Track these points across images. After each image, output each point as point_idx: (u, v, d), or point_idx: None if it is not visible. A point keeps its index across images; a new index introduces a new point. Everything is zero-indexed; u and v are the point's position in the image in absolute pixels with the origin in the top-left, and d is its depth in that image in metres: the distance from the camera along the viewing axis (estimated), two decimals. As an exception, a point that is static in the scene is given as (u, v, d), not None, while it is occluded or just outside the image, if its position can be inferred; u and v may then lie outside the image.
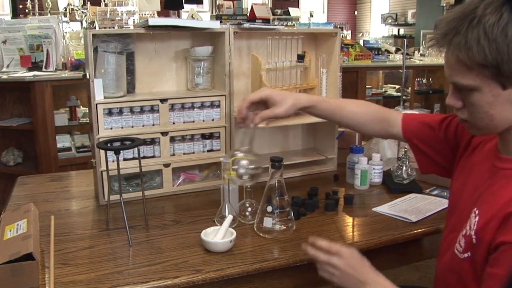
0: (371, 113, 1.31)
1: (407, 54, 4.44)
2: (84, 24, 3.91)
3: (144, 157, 1.52)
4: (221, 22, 1.69)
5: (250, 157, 1.27)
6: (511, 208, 0.83)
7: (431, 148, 1.23)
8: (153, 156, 1.55)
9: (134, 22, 3.56)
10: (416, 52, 5.20)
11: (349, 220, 1.38)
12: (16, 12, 7.49)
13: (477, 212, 0.92)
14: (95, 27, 3.45)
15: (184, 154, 1.59)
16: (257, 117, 1.23)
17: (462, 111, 0.92)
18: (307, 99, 1.28)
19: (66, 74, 3.14)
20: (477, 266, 0.89)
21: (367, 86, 4.41)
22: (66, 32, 3.51)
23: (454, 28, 0.84)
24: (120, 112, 1.48)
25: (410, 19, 9.68)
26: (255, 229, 1.27)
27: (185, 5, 5.90)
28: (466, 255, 0.92)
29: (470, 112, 0.90)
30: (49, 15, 3.79)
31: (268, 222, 1.24)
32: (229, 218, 1.22)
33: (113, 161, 1.35)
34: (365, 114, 1.31)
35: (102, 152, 1.42)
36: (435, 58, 4.81)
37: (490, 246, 0.85)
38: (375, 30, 10.99)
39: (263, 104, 1.26)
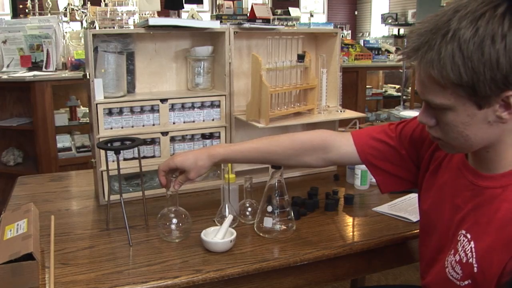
0: (296, 144, 1.21)
1: (407, 54, 4.44)
2: (84, 24, 3.91)
3: (144, 157, 1.52)
4: (221, 22, 1.69)
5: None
6: None
7: (392, 164, 1.14)
8: (153, 156, 1.55)
9: (134, 22, 3.56)
10: (416, 52, 5.19)
11: (349, 220, 1.38)
12: (16, 12, 7.48)
13: (469, 236, 0.86)
14: (95, 27, 3.45)
15: (184, 154, 1.59)
16: (175, 183, 1.23)
17: (435, 130, 0.87)
18: (222, 153, 1.21)
19: (66, 74, 3.15)
20: None
21: (367, 86, 4.41)
22: (66, 32, 3.51)
23: (427, 43, 0.78)
24: (120, 112, 1.48)
25: (410, 19, 9.69)
26: (255, 229, 1.27)
27: (185, 5, 5.90)
28: (466, 282, 0.86)
29: (444, 131, 0.85)
30: (49, 15, 3.79)
31: (268, 222, 1.24)
32: (229, 218, 1.22)
33: (113, 161, 1.35)
34: (286, 148, 1.21)
35: (102, 152, 1.42)
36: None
37: (503, 272, 0.80)
38: (375, 30, 10.99)
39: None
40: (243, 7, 5.07)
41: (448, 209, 0.95)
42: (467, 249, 0.86)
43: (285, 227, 1.25)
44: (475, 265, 0.84)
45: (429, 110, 0.86)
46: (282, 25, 4.43)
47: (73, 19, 3.97)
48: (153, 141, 1.54)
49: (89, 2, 4.01)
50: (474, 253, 0.84)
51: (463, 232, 0.88)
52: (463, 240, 0.87)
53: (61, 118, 3.16)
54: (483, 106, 0.78)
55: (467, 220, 0.89)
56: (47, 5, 3.94)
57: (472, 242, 0.85)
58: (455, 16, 0.75)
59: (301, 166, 1.29)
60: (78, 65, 3.25)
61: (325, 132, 1.23)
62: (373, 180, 1.63)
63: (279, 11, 6.97)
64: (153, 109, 1.52)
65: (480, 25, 0.73)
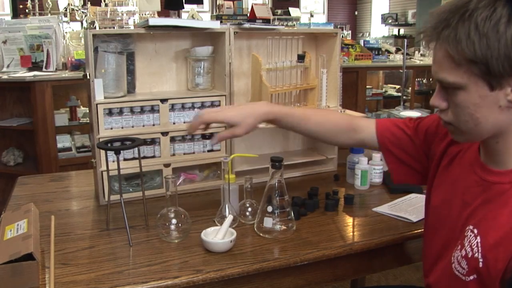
0: (335, 122, 1.26)
1: (407, 54, 4.45)
2: (85, 24, 3.91)
3: (144, 157, 1.52)
4: (221, 22, 1.69)
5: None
6: None
7: (406, 154, 1.18)
8: (153, 156, 1.55)
9: (134, 22, 3.56)
10: (417, 52, 5.20)
11: (349, 220, 1.38)
12: (17, 12, 7.49)
13: (476, 231, 0.87)
14: (95, 27, 3.45)
15: (184, 154, 1.59)
16: (216, 137, 1.21)
17: (446, 113, 0.88)
18: (266, 112, 1.21)
19: (67, 74, 3.15)
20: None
21: (367, 86, 4.41)
22: (66, 32, 3.52)
23: (445, 20, 0.80)
24: (121, 112, 1.48)
25: (410, 19, 9.69)
26: (255, 229, 1.27)
27: (185, 5, 5.90)
28: (471, 277, 0.87)
29: (455, 114, 0.86)
30: (49, 15, 3.79)
31: (268, 222, 1.24)
32: (229, 218, 1.22)
33: (113, 161, 1.35)
34: (329, 125, 1.26)
35: (103, 152, 1.42)
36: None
37: (507, 268, 0.80)
38: (376, 30, 10.99)
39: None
40: (243, 7, 5.07)
41: (457, 205, 0.96)
42: (473, 244, 0.86)
43: (285, 227, 1.25)
44: (481, 260, 0.84)
45: (442, 92, 0.87)
46: (282, 25, 4.43)
47: (73, 19, 3.97)
48: (153, 141, 1.54)
49: (89, 2, 4.01)
50: (480, 248, 0.85)
51: (471, 227, 0.88)
52: (470, 235, 0.87)
53: (61, 118, 3.16)
54: (495, 87, 0.79)
55: (475, 215, 0.89)
56: (47, 5, 3.94)
57: (478, 237, 0.85)
58: (478, 5, 0.77)
59: (335, 144, 1.40)
60: (78, 65, 3.25)
61: (350, 115, 1.30)
62: (373, 180, 1.64)
63: (279, 11, 6.98)
64: (153, 109, 1.52)
65: (497, 5, 0.75)
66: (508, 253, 0.80)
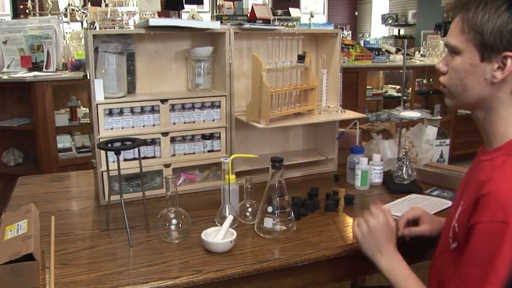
0: None
1: (407, 54, 4.45)
2: (85, 25, 3.91)
3: (144, 158, 1.52)
4: (221, 22, 1.69)
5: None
6: (481, 191, 0.88)
7: None
8: (154, 157, 1.55)
9: (134, 22, 3.56)
10: (417, 52, 5.20)
11: (349, 220, 1.38)
12: (17, 12, 7.48)
13: (461, 203, 0.98)
14: (95, 28, 3.45)
15: (184, 154, 1.59)
16: (407, 230, 1.22)
17: (445, 77, 1.00)
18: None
19: (67, 74, 3.15)
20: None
21: (367, 87, 4.41)
22: (66, 33, 3.52)
23: None
24: (121, 112, 1.48)
25: (410, 20, 9.68)
26: (255, 229, 1.27)
27: (185, 6, 5.90)
28: (454, 245, 0.96)
29: (449, 77, 0.98)
30: (49, 15, 3.79)
31: (268, 222, 1.24)
32: (229, 219, 1.22)
33: (113, 162, 1.35)
34: None
35: (103, 152, 1.42)
36: (436, 58, 4.81)
37: (466, 231, 0.90)
38: (376, 31, 10.99)
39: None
40: (244, 7, 5.07)
41: (461, 186, 1.08)
42: (457, 214, 0.97)
43: (285, 228, 1.25)
44: (456, 225, 0.96)
45: (446, 59, 1.00)
46: (283, 25, 4.43)
47: (73, 19, 3.97)
48: (153, 142, 1.54)
49: (89, 3, 4.01)
50: (456, 216, 0.97)
51: (462, 202, 0.98)
52: (459, 209, 0.98)
53: (61, 118, 3.16)
54: (485, 59, 0.92)
55: (465, 192, 1.00)
56: (47, 6, 3.94)
57: (460, 207, 0.97)
58: None
59: None
60: (78, 66, 3.25)
61: None
62: (373, 180, 1.64)
63: (279, 11, 6.98)
64: (153, 110, 1.52)
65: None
66: (470, 209, 0.90)
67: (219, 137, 1.62)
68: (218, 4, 4.91)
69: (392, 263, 1.08)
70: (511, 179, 0.87)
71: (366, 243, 1.12)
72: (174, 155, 1.58)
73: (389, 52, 4.82)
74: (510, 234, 0.82)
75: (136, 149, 1.43)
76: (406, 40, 2.00)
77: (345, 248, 1.19)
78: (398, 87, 4.76)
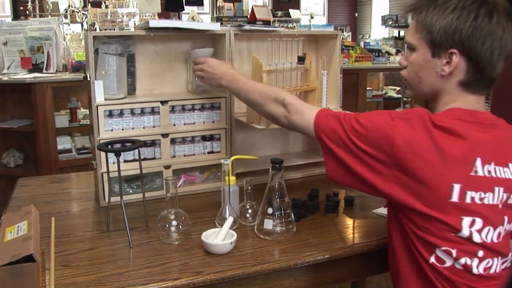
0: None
1: (407, 56, 4.44)
2: (85, 26, 3.91)
3: (144, 159, 1.52)
4: (221, 24, 1.69)
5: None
6: None
7: None
8: (154, 158, 1.55)
9: (134, 24, 3.56)
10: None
11: (349, 222, 1.38)
12: (17, 13, 7.49)
13: None
14: (95, 29, 3.45)
15: (184, 156, 1.59)
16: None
17: (404, 71, 1.14)
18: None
19: (67, 75, 3.15)
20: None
21: (367, 88, 4.41)
22: (66, 34, 3.51)
23: (424, 2, 1.07)
24: (121, 113, 1.48)
25: (410, 21, 9.66)
26: (255, 231, 1.27)
27: (185, 7, 5.90)
28: None
29: (408, 70, 1.12)
30: (49, 16, 3.79)
31: (268, 223, 1.23)
32: (229, 220, 1.22)
33: (113, 163, 1.35)
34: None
35: (103, 153, 1.42)
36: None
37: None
38: (376, 32, 10.99)
39: None
40: (244, 9, 5.07)
41: None
42: None
43: (285, 229, 1.25)
44: None
45: (406, 55, 1.13)
46: (283, 27, 4.42)
47: (73, 21, 3.97)
48: (153, 143, 1.54)
49: (89, 4, 4.01)
50: None
51: None
52: None
53: (61, 119, 3.16)
54: (435, 54, 1.05)
55: None
56: (47, 7, 3.94)
57: None
58: None
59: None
60: (78, 67, 3.25)
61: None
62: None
63: (279, 13, 6.98)
64: (153, 111, 1.52)
65: (453, 2, 1.02)
66: None
67: (219, 139, 1.62)
68: (218, 5, 4.91)
69: (232, 80, 1.39)
70: None
71: (210, 81, 1.45)
72: (174, 156, 1.58)
73: (389, 54, 4.82)
74: None
75: (136, 150, 1.43)
76: (405, 42, 2.00)
77: (345, 250, 1.19)
78: (398, 88, 4.77)
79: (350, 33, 7.43)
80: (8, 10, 8.40)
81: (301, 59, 1.69)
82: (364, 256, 1.23)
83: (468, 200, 0.96)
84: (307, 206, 1.43)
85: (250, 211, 1.33)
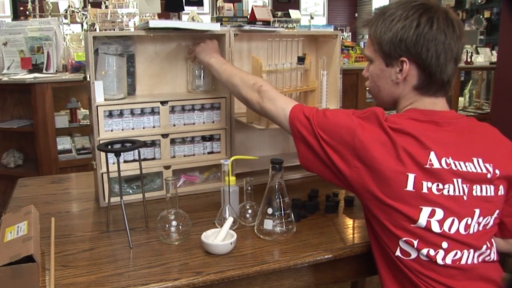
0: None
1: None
2: (85, 26, 3.90)
3: (144, 159, 1.52)
4: (221, 24, 1.69)
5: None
6: None
7: None
8: (154, 158, 1.55)
9: (134, 24, 3.56)
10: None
11: (349, 222, 1.38)
12: (17, 14, 7.50)
13: None
14: (95, 29, 3.45)
15: (184, 156, 1.59)
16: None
17: (367, 82, 1.22)
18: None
19: (67, 76, 3.15)
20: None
21: (367, 88, 4.41)
22: (66, 34, 3.51)
23: (373, 16, 1.17)
24: (121, 114, 1.48)
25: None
26: (255, 231, 1.27)
27: (185, 7, 5.90)
28: None
29: (369, 81, 1.20)
30: (49, 17, 3.79)
31: (268, 224, 1.24)
32: (229, 220, 1.22)
33: (113, 163, 1.35)
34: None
35: (103, 154, 1.42)
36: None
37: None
38: (376, 32, 10.98)
39: None
40: (244, 9, 5.08)
41: None
42: None
43: (285, 229, 1.25)
44: None
45: (367, 66, 1.21)
46: (282, 27, 4.43)
47: (73, 21, 3.97)
48: (153, 143, 1.54)
49: (89, 4, 4.01)
50: None
51: None
52: None
53: (61, 120, 3.16)
54: (388, 64, 1.13)
55: None
56: (47, 7, 3.94)
57: None
58: (392, 7, 1.13)
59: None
60: (78, 67, 3.25)
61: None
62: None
63: (279, 13, 6.97)
64: (153, 111, 1.52)
65: (399, 10, 1.10)
66: None
67: (219, 139, 1.62)
68: (218, 6, 4.91)
69: (220, 60, 1.47)
70: None
71: (202, 53, 1.51)
72: (174, 156, 1.58)
73: (389, 54, 4.81)
74: None
75: (136, 150, 1.43)
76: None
77: (345, 250, 1.20)
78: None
79: (350, 33, 7.42)
80: (8, 11, 8.39)
81: (301, 60, 1.69)
82: (364, 256, 1.23)
83: (425, 190, 1.00)
84: (307, 206, 1.43)
85: (250, 211, 1.33)
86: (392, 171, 1.00)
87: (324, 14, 11.16)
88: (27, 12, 4.17)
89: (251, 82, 1.33)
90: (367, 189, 1.04)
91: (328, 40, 1.81)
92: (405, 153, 1.01)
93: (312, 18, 5.59)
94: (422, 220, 1.00)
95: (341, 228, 1.33)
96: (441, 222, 1.00)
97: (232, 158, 1.35)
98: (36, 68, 3.29)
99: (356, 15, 11.52)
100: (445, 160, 1.02)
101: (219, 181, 1.62)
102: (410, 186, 1.00)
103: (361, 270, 1.28)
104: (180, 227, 1.22)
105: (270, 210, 1.24)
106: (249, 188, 1.33)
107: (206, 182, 1.64)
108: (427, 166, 1.01)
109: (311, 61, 1.73)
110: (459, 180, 1.02)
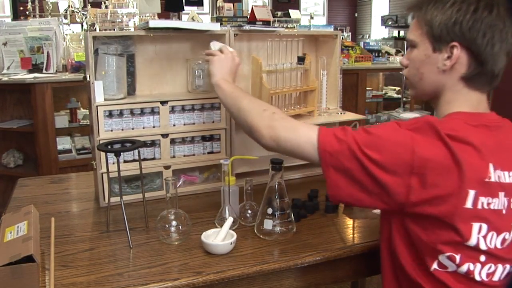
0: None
1: (407, 56, 4.44)
2: (85, 26, 3.90)
3: (144, 159, 1.52)
4: (221, 24, 1.69)
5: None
6: None
7: None
8: (154, 158, 1.55)
9: (134, 24, 3.56)
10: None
11: (349, 222, 1.38)
12: (17, 14, 7.49)
13: None
14: (95, 29, 3.44)
15: (184, 156, 1.59)
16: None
17: (406, 70, 1.13)
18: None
19: (67, 76, 3.15)
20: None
21: (367, 88, 4.41)
22: (66, 34, 3.52)
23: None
24: (121, 114, 1.48)
25: (410, 21, 9.67)
26: (255, 231, 1.27)
27: (185, 7, 5.90)
28: None
29: (409, 68, 1.11)
30: (49, 17, 3.79)
31: (268, 224, 1.24)
32: (229, 220, 1.22)
33: (113, 163, 1.35)
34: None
35: (103, 154, 1.42)
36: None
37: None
38: (376, 32, 10.99)
39: None
40: (243, 9, 5.07)
41: None
42: None
43: (285, 229, 1.25)
44: None
45: (407, 54, 1.13)
46: (282, 27, 4.43)
47: (73, 21, 3.97)
48: (153, 143, 1.54)
49: (89, 4, 4.01)
50: None
51: None
52: None
53: (61, 120, 3.16)
54: (436, 49, 1.04)
55: None
56: (47, 7, 3.94)
57: None
58: None
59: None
60: (78, 67, 3.25)
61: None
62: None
63: (279, 13, 6.97)
64: (153, 111, 1.52)
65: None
66: None
67: (219, 139, 1.62)
68: (218, 5, 4.91)
69: (233, 87, 1.28)
70: None
71: (216, 66, 1.33)
72: (174, 156, 1.58)
73: (389, 54, 4.82)
74: None
75: (136, 150, 1.43)
76: (406, 42, 2.00)
77: (345, 250, 1.20)
78: (398, 88, 4.76)
79: (350, 33, 7.42)
80: (8, 10, 8.40)
81: (301, 59, 1.69)
82: (364, 256, 1.23)
83: (479, 206, 0.93)
84: (307, 206, 1.43)
85: (250, 211, 1.33)
86: (454, 189, 0.91)
87: (324, 14, 11.16)
88: (27, 12, 4.17)
89: (261, 108, 1.17)
90: (416, 208, 0.94)
91: (328, 40, 1.81)
92: (467, 167, 0.91)
93: (312, 18, 5.59)
94: (474, 239, 0.93)
95: (341, 228, 1.33)
96: (485, 238, 0.94)
97: (232, 158, 1.35)
98: (36, 68, 3.30)
99: (356, 15, 11.52)
100: (498, 172, 0.95)
101: (219, 181, 1.62)
102: (469, 204, 0.92)
103: (361, 270, 1.28)
104: (180, 227, 1.22)
105: (270, 210, 1.24)
106: (249, 188, 1.33)
107: (206, 182, 1.64)
108: (487, 179, 0.93)
109: (311, 61, 1.73)
110: (503, 194, 0.96)
